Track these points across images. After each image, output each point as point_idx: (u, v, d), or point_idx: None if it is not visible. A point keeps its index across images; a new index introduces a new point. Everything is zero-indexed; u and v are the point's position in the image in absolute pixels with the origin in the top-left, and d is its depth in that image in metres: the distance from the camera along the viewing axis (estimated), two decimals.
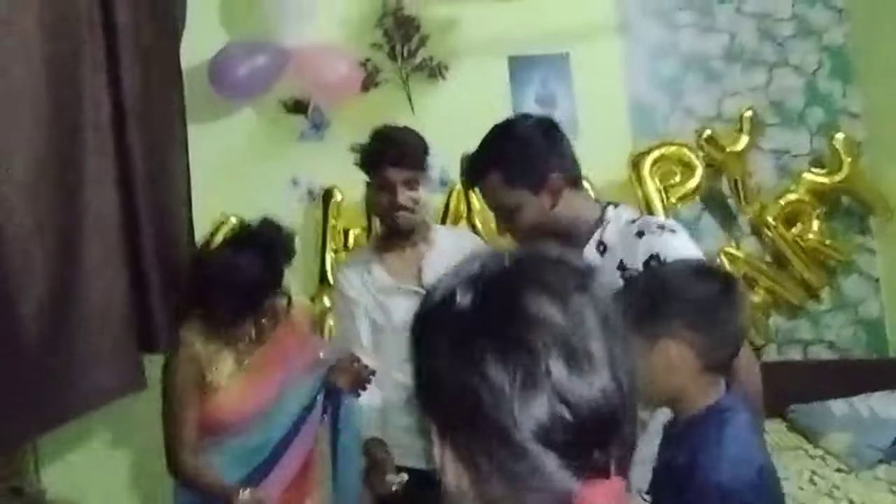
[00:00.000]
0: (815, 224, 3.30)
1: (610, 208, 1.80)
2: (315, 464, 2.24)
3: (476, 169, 1.79)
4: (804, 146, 3.43)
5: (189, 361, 1.98)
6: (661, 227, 1.73)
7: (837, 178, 3.29)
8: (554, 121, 1.83)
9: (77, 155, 1.38)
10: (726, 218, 3.38)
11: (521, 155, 1.75)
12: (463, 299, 0.83)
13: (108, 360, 1.50)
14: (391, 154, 2.20)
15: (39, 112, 1.32)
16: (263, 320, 2.04)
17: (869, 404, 3.05)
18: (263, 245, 2.02)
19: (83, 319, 1.41)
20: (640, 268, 1.69)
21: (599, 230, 1.77)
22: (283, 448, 2.16)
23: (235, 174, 3.02)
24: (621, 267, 1.72)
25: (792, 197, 3.29)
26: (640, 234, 1.71)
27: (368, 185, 2.31)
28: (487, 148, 1.79)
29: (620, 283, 1.71)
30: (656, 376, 1.40)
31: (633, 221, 1.76)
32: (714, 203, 3.37)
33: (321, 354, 2.28)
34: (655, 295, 1.41)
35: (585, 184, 3.00)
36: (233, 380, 2.06)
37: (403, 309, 2.19)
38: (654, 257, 1.68)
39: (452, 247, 2.24)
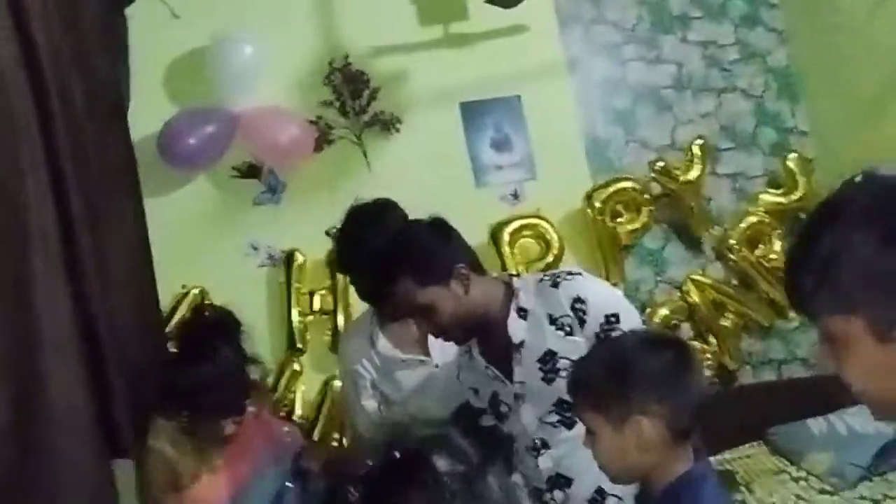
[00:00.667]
0: (777, 244, 3.33)
1: (514, 280, 1.94)
2: None
3: (383, 279, 1.88)
4: (758, 167, 3.48)
5: (164, 469, 1.95)
6: (569, 273, 1.91)
7: (794, 196, 3.34)
8: (442, 219, 1.94)
9: (28, 273, 1.33)
10: (690, 244, 3.40)
11: (424, 255, 1.87)
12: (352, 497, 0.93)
13: (78, 478, 1.44)
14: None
15: None
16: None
17: (846, 421, 3.05)
18: (226, 335, 1.99)
19: (49, 443, 1.36)
20: (570, 313, 1.83)
21: (514, 301, 1.89)
22: None
23: (193, 244, 2.97)
24: (552, 321, 1.85)
25: (752, 219, 3.33)
26: (555, 284, 1.87)
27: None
28: (390, 259, 1.89)
29: (557, 333, 1.83)
30: (629, 454, 1.41)
31: (542, 280, 1.90)
32: (677, 230, 3.39)
33: (287, 439, 2.23)
34: (616, 374, 1.43)
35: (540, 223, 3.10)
36: (202, 479, 2.02)
37: (412, 379, 2.25)
38: (576, 300, 1.83)
39: None
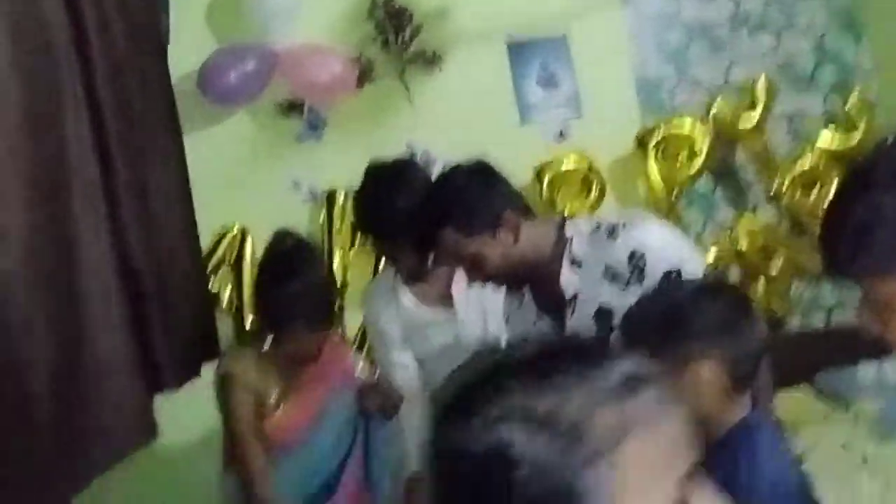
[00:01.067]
0: (833, 188, 3.20)
1: (567, 225, 1.81)
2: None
3: (427, 230, 1.81)
4: (817, 108, 3.33)
5: (248, 394, 2.00)
6: (626, 223, 1.76)
7: (853, 139, 3.19)
8: (485, 162, 1.83)
9: (67, 211, 1.33)
10: (742, 187, 3.29)
11: (468, 204, 1.76)
12: None
13: (121, 417, 1.46)
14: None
15: (25, 170, 1.26)
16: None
17: None
18: (311, 255, 2.13)
19: (92, 381, 1.37)
20: (627, 266, 1.70)
21: (566, 248, 1.77)
22: (338, 472, 2.17)
23: (234, 182, 2.96)
24: (607, 274, 1.73)
25: (807, 162, 3.20)
26: (612, 234, 1.73)
27: None
28: (432, 208, 1.80)
29: (611, 288, 1.72)
30: (690, 402, 1.36)
31: (598, 227, 1.77)
32: (728, 174, 3.28)
33: (358, 370, 2.28)
34: (675, 320, 1.39)
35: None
36: (282, 403, 2.08)
37: (437, 337, 2.20)
38: (634, 253, 1.70)
39: None
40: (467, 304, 2.21)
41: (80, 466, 1.34)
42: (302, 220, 3.02)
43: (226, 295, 2.90)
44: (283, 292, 1.99)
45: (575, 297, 1.78)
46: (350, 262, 2.98)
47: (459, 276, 2.18)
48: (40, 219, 1.27)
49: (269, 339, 2.09)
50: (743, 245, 3.18)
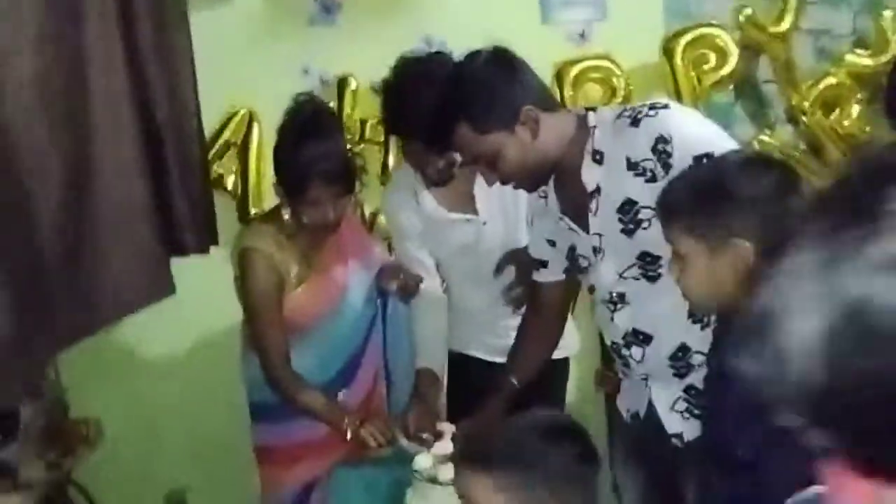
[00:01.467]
0: (855, 110, 3.13)
1: (590, 115, 1.73)
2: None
3: (440, 127, 1.71)
4: (846, 25, 3.22)
5: (269, 270, 1.98)
6: (652, 106, 1.66)
7: (882, 59, 3.10)
8: (505, 50, 1.74)
9: (84, 46, 1.25)
10: (763, 103, 3.21)
11: (484, 98, 1.67)
12: None
13: (135, 265, 1.43)
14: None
15: (41, 4, 1.18)
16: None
17: None
18: (333, 117, 2.21)
19: (104, 224, 1.33)
20: (652, 156, 1.61)
21: (589, 141, 1.69)
22: (360, 353, 2.18)
23: (243, 63, 2.84)
24: (631, 165, 1.65)
25: (832, 81, 3.11)
26: (635, 121, 1.65)
27: None
28: (445, 102, 1.71)
29: (636, 180, 1.65)
30: (724, 280, 1.33)
31: (620, 115, 1.69)
32: (749, 89, 3.20)
33: (377, 250, 2.28)
34: (716, 195, 1.34)
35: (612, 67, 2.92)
36: (302, 283, 2.06)
37: (457, 238, 2.17)
38: (659, 139, 1.61)
39: None
40: (489, 205, 2.16)
41: (92, 308, 1.31)
42: None
43: (230, 180, 2.82)
44: (302, 151, 1.96)
45: (598, 190, 1.71)
46: (358, 154, 2.90)
47: (481, 179, 2.11)
48: (57, 51, 1.20)
49: (288, 214, 2.03)
50: None
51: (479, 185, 2.16)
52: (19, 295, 1.18)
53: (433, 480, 1.75)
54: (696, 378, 1.75)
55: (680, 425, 1.79)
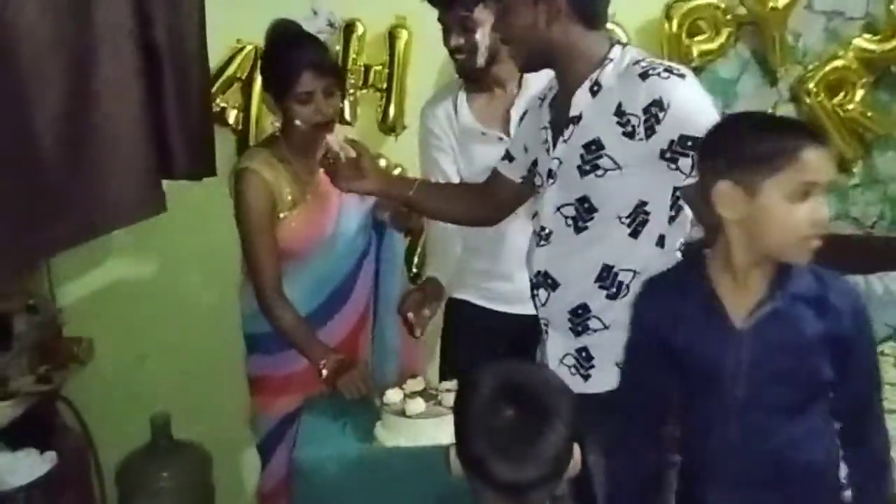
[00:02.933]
0: (859, 94, 3.13)
1: (616, 48, 1.68)
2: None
3: None
4: (859, 9, 3.19)
5: (262, 189, 2.02)
6: (669, 69, 1.61)
7: (889, 45, 3.10)
8: None
9: None
10: (766, 80, 3.21)
11: None
12: None
13: (128, 179, 1.48)
14: None
15: None
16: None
17: (885, 282, 3.04)
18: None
19: (101, 136, 1.37)
20: (641, 115, 1.59)
21: (598, 70, 1.66)
22: (351, 282, 2.21)
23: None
24: (619, 112, 1.62)
25: (838, 63, 3.11)
26: (644, 75, 1.60)
27: None
28: None
29: (615, 128, 1.63)
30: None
31: (636, 63, 1.64)
32: (756, 62, 3.20)
33: None
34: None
35: (614, 28, 2.91)
36: (296, 208, 2.07)
37: (486, 156, 2.16)
38: (655, 102, 1.58)
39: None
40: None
41: (85, 215, 1.36)
42: None
43: (232, 114, 2.85)
44: (292, 47, 2.04)
45: (579, 118, 1.69)
46: (358, 100, 2.92)
47: (520, 105, 2.15)
48: None
49: (281, 123, 2.08)
50: None
51: (517, 108, 2.18)
52: (16, 185, 1.22)
53: (401, 414, 1.81)
54: (591, 342, 1.77)
55: (563, 378, 1.78)
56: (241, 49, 2.82)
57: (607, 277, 1.73)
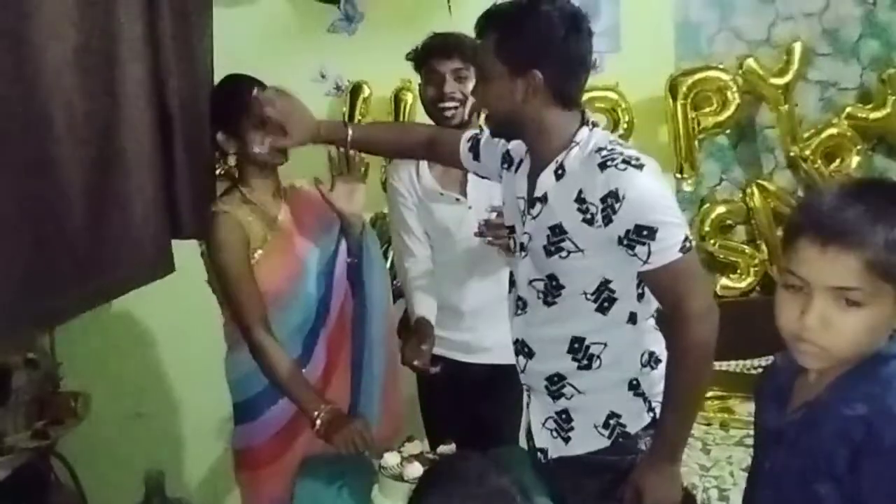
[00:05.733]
0: (855, 160, 3.19)
1: (584, 130, 1.70)
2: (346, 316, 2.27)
3: (482, 23, 1.73)
4: (853, 80, 3.29)
5: (237, 230, 2.02)
6: (627, 161, 1.62)
7: (880, 113, 3.17)
8: (582, 19, 1.68)
9: (113, 26, 1.33)
10: (763, 147, 3.28)
11: (523, 33, 1.65)
12: None
13: (142, 241, 1.50)
14: (439, 45, 2.27)
15: None
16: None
17: None
18: None
19: (118, 199, 1.40)
20: (599, 204, 1.62)
21: (564, 152, 1.69)
22: (323, 310, 2.19)
23: (262, 61, 2.87)
24: (579, 199, 1.66)
25: (833, 132, 3.18)
26: (603, 165, 1.62)
27: (420, 85, 2.39)
28: (504, 8, 1.71)
29: (576, 214, 1.66)
30: (883, 331, 1.18)
31: (600, 150, 1.65)
32: (751, 132, 3.27)
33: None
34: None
35: (618, 98, 2.97)
36: (266, 245, 2.09)
37: (444, 214, 2.31)
38: (612, 194, 1.60)
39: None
40: (478, 194, 2.28)
41: (105, 279, 1.38)
42: (322, 110, 3.00)
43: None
44: (234, 80, 2.08)
45: (544, 197, 1.73)
46: (364, 161, 2.96)
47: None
48: (87, 35, 1.28)
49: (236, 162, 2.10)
50: (756, 204, 3.18)
51: (472, 177, 2.26)
52: (38, 250, 1.24)
53: (399, 478, 1.80)
54: (569, 405, 1.82)
55: (546, 441, 1.86)
56: None
57: (579, 350, 1.77)
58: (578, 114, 1.74)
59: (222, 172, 2.36)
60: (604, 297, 1.73)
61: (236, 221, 2.03)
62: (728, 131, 3.20)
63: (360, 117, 2.93)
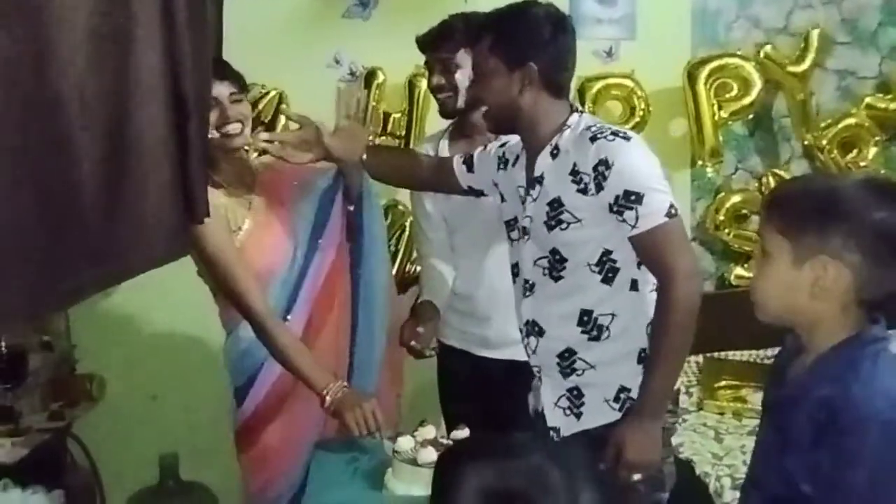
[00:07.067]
0: (873, 151, 3.17)
1: (574, 115, 1.85)
2: (338, 274, 2.24)
3: (476, 31, 1.88)
4: (872, 69, 3.26)
5: (216, 213, 1.95)
6: (615, 133, 1.76)
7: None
8: (566, 19, 1.85)
9: (126, 21, 1.33)
10: (779, 138, 3.25)
11: (517, 32, 1.81)
12: None
13: (158, 223, 1.51)
14: (427, 36, 2.32)
15: None
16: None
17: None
18: None
19: (134, 182, 1.40)
20: (591, 173, 1.74)
21: (558, 135, 1.83)
22: (307, 267, 2.16)
23: (277, 47, 2.93)
24: (573, 171, 1.78)
25: (851, 122, 3.15)
26: (594, 138, 1.76)
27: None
28: (496, 14, 1.86)
29: (571, 185, 1.78)
30: (798, 294, 1.27)
31: (589, 127, 1.80)
32: (768, 121, 3.24)
33: (312, 172, 2.23)
34: (830, 201, 1.25)
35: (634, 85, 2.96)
36: (246, 228, 2.08)
37: (463, 198, 2.28)
38: (602, 162, 1.73)
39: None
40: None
41: (122, 258, 1.39)
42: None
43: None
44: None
45: (541, 178, 1.85)
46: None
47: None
48: (101, 22, 1.28)
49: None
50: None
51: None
52: (56, 230, 1.25)
53: (413, 462, 1.81)
54: (580, 381, 1.89)
55: (559, 420, 1.92)
56: (266, 94, 2.89)
57: (588, 321, 1.86)
58: (567, 103, 1.89)
59: None
60: (607, 268, 1.83)
61: (215, 206, 1.99)
62: (745, 120, 3.18)
63: (374, 103, 2.92)
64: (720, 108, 3.03)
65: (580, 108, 1.91)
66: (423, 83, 2.90)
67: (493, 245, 2.31)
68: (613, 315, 1.85)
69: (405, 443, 1.87)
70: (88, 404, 2.77)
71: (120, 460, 2.89)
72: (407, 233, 2.99)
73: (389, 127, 2.95)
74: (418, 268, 2.70)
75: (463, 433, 1.90)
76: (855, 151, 3.19)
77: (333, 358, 2.21)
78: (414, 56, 2.87)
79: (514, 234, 1.97)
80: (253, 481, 2.26)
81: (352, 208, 2.23)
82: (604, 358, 1.86)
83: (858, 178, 1.39)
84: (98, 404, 2.81)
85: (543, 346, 1.92)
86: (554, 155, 1.83)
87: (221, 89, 2.02)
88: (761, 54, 3.07)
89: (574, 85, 2.95)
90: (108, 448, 2.86)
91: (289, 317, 2.13)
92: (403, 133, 2.93)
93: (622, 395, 1.86)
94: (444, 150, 2.37)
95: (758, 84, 3.02)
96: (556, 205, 1.82)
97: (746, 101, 3.05)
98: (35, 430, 2.53)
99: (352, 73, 3.01)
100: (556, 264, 1.86)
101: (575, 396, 1.90)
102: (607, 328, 1.85)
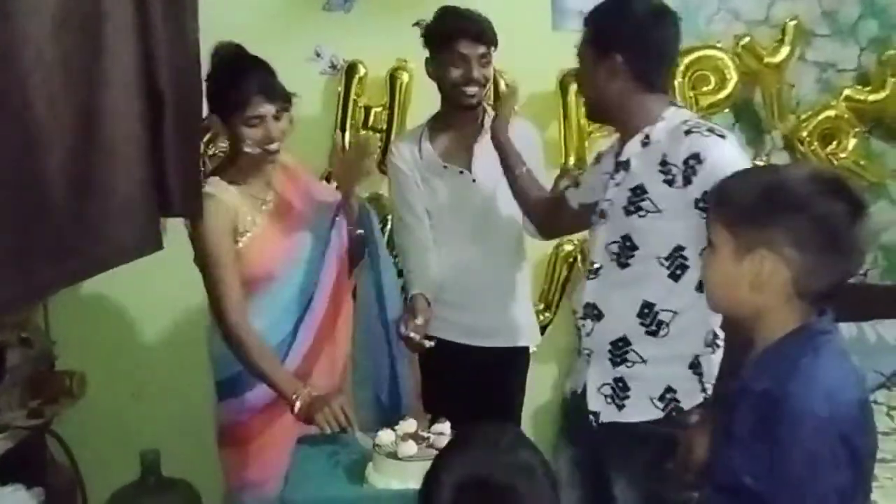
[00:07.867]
0: (852, 143, 3.19)
1: (671, 108, 1.85)
2: (342, 288, 2.29)
3: (587, 17, 1.91)
4: (851, 61, 3.27)
5: (221, 213, 2.01)
6: (711, 129, 1.76)
7: (879, 96, 3.16)
8: (666, 13, 1.84)
9: (97, 14, 1.32)
10: (760, 129, 3.26)
11: (606, 23, 1.84)
12: None
13: (130, 217, 1.50)
14: (466, 28, 2.29)
15: None
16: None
17: (878, 330, 3.07)
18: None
19: (106, 175, 1.40)
20: (681, 166, 1.72)
21: (651, 126, 1.81)
22: (315, 291, 2.20)
23: (257, 40, 2.85)
24: (663, 162, 1.77)
25: (831, 113, 3.17)
26: (689, 132, 1.74)
27: (430, 60, 2.38)
28: (596, 5, 1.89)
29: (658, 175, 1.77)
30: (739, 286, 1.30)
31: (685, 121, 1.79)
32: (748, 114, 3.25)
33: (326, 195, 2.31)
34: (769, 196, 1.26)
35: None
36: (256, 227, 2.08)
37: (449, 188, 2.35)
38: (694, 156, 1.71)
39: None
40: (484, 164, 2.28)
41: (90, 252, 1.38)
42: (317, 90, 2.98)
43: None
44: (240, 71, 2.05)
45: (626, 163, 1.85)
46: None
47: (484, 143, 2.31)
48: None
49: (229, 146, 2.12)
50: None
51: (480, 145, 2.34)
52: (25, 223, 1.24)
53: (393, 456, 1.80)
54: (627, 373, 1.87)
55: (599, 405, 1.90)
56: None
57: (648, 314, 1.83)
58: (664, 97, 1.88)
59: (216, 152, 2.36)
60: (677, 264, 1.80)
61: (223, 206, 2.02)
62: (725, 111, 3.19)
63: (354, 97, 2.91)
64: (696, 100, 3.04)
65: (679, 103, 1.92)
66: (405, 77, 2.90)
67: (482, 235, 2.32)
68: (675, 313, 1.81)
69: (386, 437, 1.86)
70: (68, 401, 2.75)
71: (101, 457, 2.87)
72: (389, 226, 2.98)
73: (371, 121, 2.93)
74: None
75: (444, 426, 1.90)
76: (835, 143, 3.20)
77: (331, 375, 2.26)
78: (395, 49, 2.88)
79: (593, 218, 1.96)
80: (235, 477, 2.26)
81: (359, 233, 2.29)
82: (657, 355, 1.83)
83: (803, 172, 1.38)
84: (79, 401, 2.79)
85: (599, 331, 1.90)
86: (645, 144, 1.82)
87: (269, 108, 2.04)
88: (739, 45, 3.07)
89: (557, 77, 2.99)
90: (88, 445, 2.84)
91: (293, 346, 2.18)
92: (385, 127, 2.91)
93: (668, 396, 1.84)
94: (426, 143, 2.37)
95: (734, 77, 3.03)
96: (638, 191, 1.81)
97: (723, 93, 3.05)
98: (14, 428, 2.51)
99: (332, 66, 2.99)
100: (625, 250, 1.84)
101: (620, 388, 1.88)
102: (667, 325, 1.82)
